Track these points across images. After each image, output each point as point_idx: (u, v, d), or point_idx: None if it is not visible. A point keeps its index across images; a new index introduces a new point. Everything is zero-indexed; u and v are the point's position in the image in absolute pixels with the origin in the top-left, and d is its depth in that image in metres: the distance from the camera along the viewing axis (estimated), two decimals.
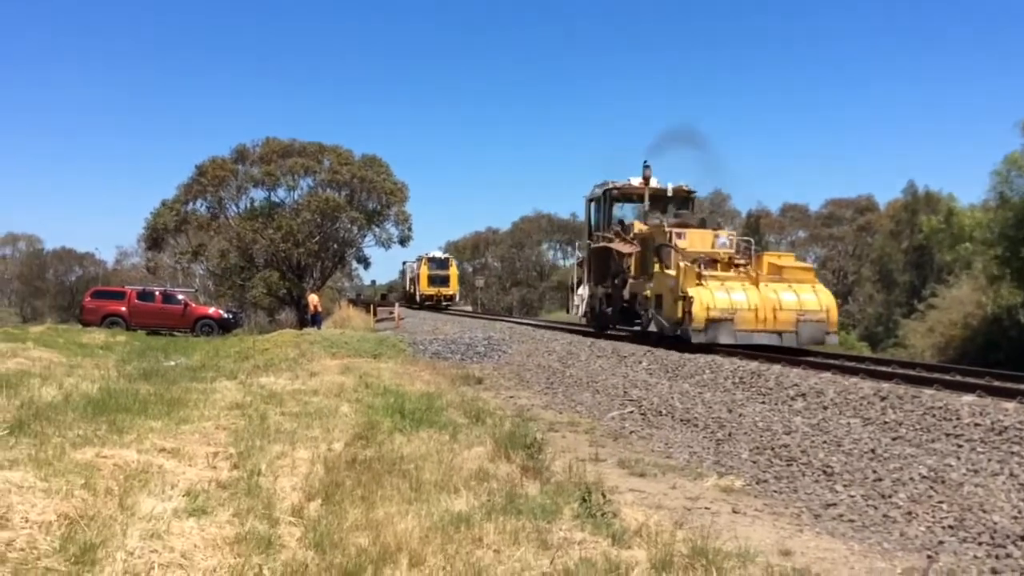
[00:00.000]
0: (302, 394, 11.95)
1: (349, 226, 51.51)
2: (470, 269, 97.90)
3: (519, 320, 37.21)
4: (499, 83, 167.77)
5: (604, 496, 6.58)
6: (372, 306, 43.87)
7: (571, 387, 15.43)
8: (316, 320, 34.40)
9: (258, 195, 51.74)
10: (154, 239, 52.39)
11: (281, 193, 51.57)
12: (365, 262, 56.91)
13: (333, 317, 37.76)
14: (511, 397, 14.53)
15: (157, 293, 37.68)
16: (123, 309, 35.62)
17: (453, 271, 56.45)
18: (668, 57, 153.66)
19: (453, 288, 55.62)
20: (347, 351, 19.16)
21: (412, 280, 58.27)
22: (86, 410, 9.57)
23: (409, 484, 6.64)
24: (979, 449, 8.36)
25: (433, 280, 54.40)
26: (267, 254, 50.60)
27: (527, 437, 8.81)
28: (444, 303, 53.72)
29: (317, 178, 51.17)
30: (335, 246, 53.02)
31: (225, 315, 37.58)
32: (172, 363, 18.49)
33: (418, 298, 53.80)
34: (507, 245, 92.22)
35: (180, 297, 37.74)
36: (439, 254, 58.04)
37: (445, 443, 8.47)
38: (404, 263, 64.17)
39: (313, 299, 35.92)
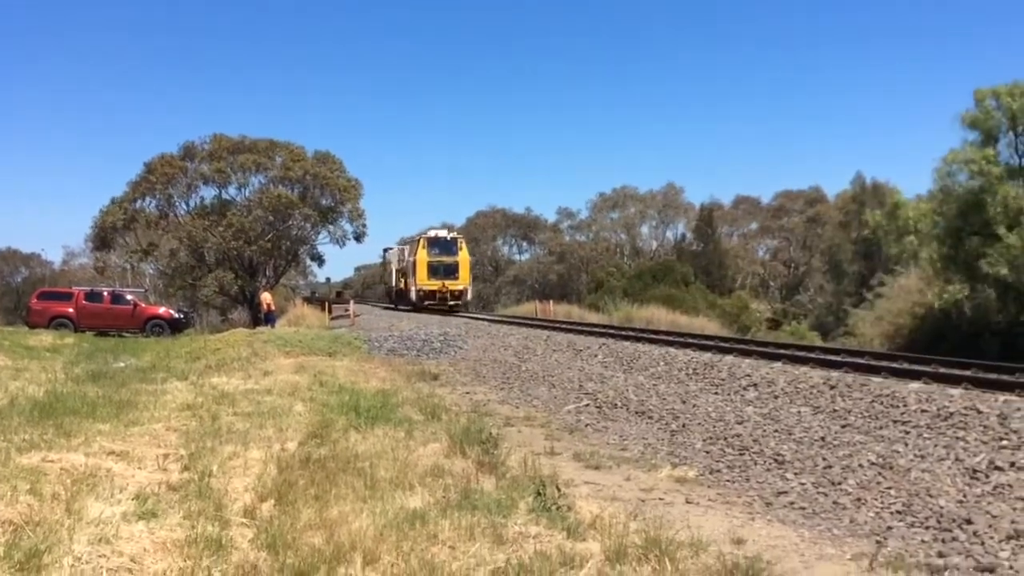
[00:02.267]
0: (255, 394, 11.84)
1: (302, 223, 50.96)
2: None
3: (475, 315, 37.16)
4: (452, 73, 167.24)
5: (559, 490, 6.60)
6: (327, 304, 43.48)
7: (527, 381, 15.47)
8: (270, 319, 34.04)
9: (208, 193, 51.03)
10: (102, 238, 51.35)
11: (232, 191, 50.92)
12: (319, 260, 56.31)
13: (287, 315, 37.36)
14: (467, 393, 14.52)
15: (105, 293, 36.98)
16: (71, 310, 34.90)
17: (464, 256, 40.42)
18: (620, 45, 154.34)
19: (464, 280, 39.92)
20: (301, 349, 19.00)
21: (400, 272, 44.74)
22: (32, 414, 9.38)
23: (364, 482, 6.61)
24: (926, 435, 8.54)
25: (436, 270, 39.36)
26: (218, 252, 49.90)
27: (482, 433, 8.80)
28: (451, 304, 38.97)
29: (269, 175, 50.57)
30: (288, 244, 52.39)
31: (176, 315, 37.01)
32: (121, 364, 18.17)
33: (413, 296, 39.65)
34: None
35: (129, 297, 37.09)
36: (443, 232, 42.22)
37: (400, 440, 8.44)
38: (386, 250, 51.77)
39: (266, 297, 35.53)
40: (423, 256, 39.72)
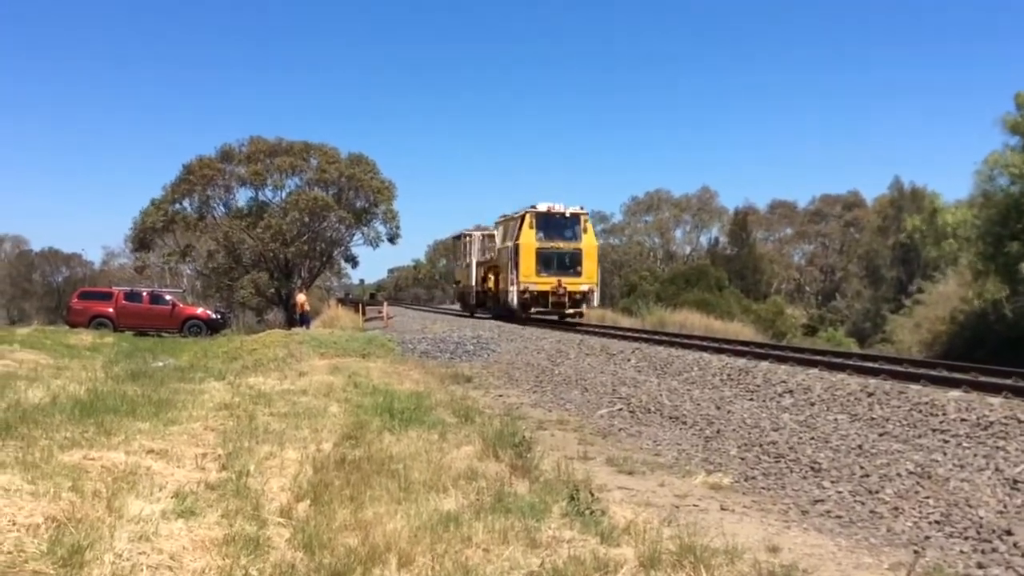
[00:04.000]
0: (291, 394, 11.93)
1: (337, 225, 51.41)
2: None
3: (480, 316, 37.23)
4: (489, 77, 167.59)
5: (592, 494, 6.59)
6: (361, 305, 43.76)
7: (560, 385, 15.45)
8: (304, 320, 34.33)
9: (245, 195, 51.63)
10: (142, 239, 52.16)
11: (268, 192, 51.46)
12: (353, 261, 56.74)
13: (322, 317, 37.67)
14: (500, 396, 14.54)
15: (145, 294, 37.53)
16: (110, 310, 35.47)
17: (590, 242, 29.92)
18: (662, 49, 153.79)
19: (589, 277, 29.33)
20: (336, 351, 19.12)
21: (486, 265, 34.43)
22: (73, 412, 9.52)
23: (398, 484, 6.64)
24: (965, 444, 8.42)
25: (548, 261, 28.83)
26: (255, 254, 50.47)
27: (516, 436, 8.81)
28: (570, 311, 29.37)
29: (304, 177, 51.08)
30: (323, 245, 52.87)
31: (213, 315, 37.47)
32: (160, 364, 18.42)
33: (512, 299, 29.09)
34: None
35: (168, 297, 37.61)
36: (559, 207, 29.90)
37: (434, 442, 8.47)
38: (458, 237, 40.36)
39: (301, 299, 35.84)
40: (529, 241, 28.55)
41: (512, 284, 28.98)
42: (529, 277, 28.67)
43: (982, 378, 11.67)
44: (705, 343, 19.07)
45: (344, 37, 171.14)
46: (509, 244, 29.97)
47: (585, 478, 7.20)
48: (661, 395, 13.15)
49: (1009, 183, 30.28)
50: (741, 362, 14.62)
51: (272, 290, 50.78)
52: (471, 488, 6.64)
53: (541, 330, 24.66)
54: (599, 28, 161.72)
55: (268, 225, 48.00)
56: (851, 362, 14.10)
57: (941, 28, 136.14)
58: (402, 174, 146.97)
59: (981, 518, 6.67)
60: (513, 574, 4.78)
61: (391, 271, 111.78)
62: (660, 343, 19.16)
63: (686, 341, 19.77)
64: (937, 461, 8.09)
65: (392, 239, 52.82)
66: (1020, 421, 8.62)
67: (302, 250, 50.68)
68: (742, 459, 9.33)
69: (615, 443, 10.32)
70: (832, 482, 8.09)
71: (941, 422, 9.21)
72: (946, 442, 8.61)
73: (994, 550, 6.08)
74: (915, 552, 6.01)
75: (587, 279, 29.21)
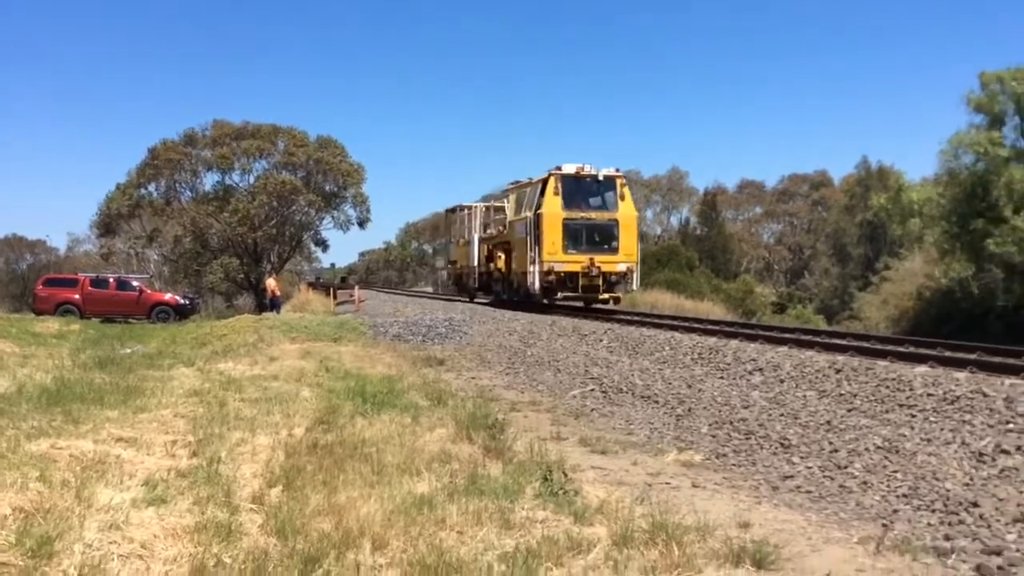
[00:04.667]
0: (261, 379, 11.87)
1: (306, 209, 50.91)
2: (431, 250, 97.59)
3: (480, 301, 37.19)
4: (457, 55, 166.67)
5: (565, 474, 6.62)
6: (332, 289, 43.54)
7: (532, 367, 15.49)
8: (275, 304, 34.08)
9: (212, 179, 51.01)
10: (107, 224, 51.42)
11: (236, 177, 50.87)
12: (323, 245, 56.32)
13: (292, 301, 37.40)
14: (473, 378, 14.55)
15: (111, 280, 37.11)
16: (77, 297, 35.06)
17: (628, 211, 24.71)
18: (632, 29, 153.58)
19: (627, 254, 24.28)
20: (307, 335, 19.03)
21: (493, 242, 29.39)
22: (40, 401, 9.42)
23: (371, 468, 6.63)
24: (932, 419, 8.54)
25: (576, 235, 23.95)
26: (223, 239, 49.92)
27: (489, 418, 8.83)
28: (604, 297, 24.58)
29: (272, 161, 50.52)
30: (292, 229, 52.38)
31: (182, 301, 37.16)
32: (128, 351, 18.23)
33: (533, 281, 24.04)
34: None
35: (135, 284, 37.23)
36: (589, 168, 24.59)
37: (407, 426, 8.46)
38: (452, 211, 35.86)
39: (271, 283, 35.57)
40: (554, 210, 23.51)
41: (532, 264, 23.72)
42: (554, 255, 23.43)
43: (948, 353, 11.83)
44: (676, 323, 19.19)
45: (310, 17, 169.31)
46: (527, 215, 24.49)
47: (558, 458, 7.23)
48: (633, 375, 13.22)
49: (974, 161, 30.69)
50: (712, 341, 14.72)
51: (241, 275, 50.31)
52: (444, 471, 6.65)
53: (513, 312, 24.67)
54: (570, 9, 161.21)
55: (236, 209, 47.47)
56: (819, 339, 14.24)
57: (907, 6, 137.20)
58: (372, 158, 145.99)
59: (948, 491, 6.78)
60: (487, 555, 4.79)
61: (362, 255, 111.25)
62: (632, 323, 19.24)
63: (658, 321, 19.88)
64: (905, 436, 8.20)
65: (362, 223, 52.47)
66: (985, 395, 8.75)
67: (271, 234, 50.21)
68: (713, 436, 9.41)
69: (588, 423, 10.37)
70: (802, 458, 8.18)
71: (908, 397, 9.33)
72: (913, 417, 8.74)
73: (961, 522, 6.18)
74: (884, 525, 6.10)
75: (625, 256, 23.90)
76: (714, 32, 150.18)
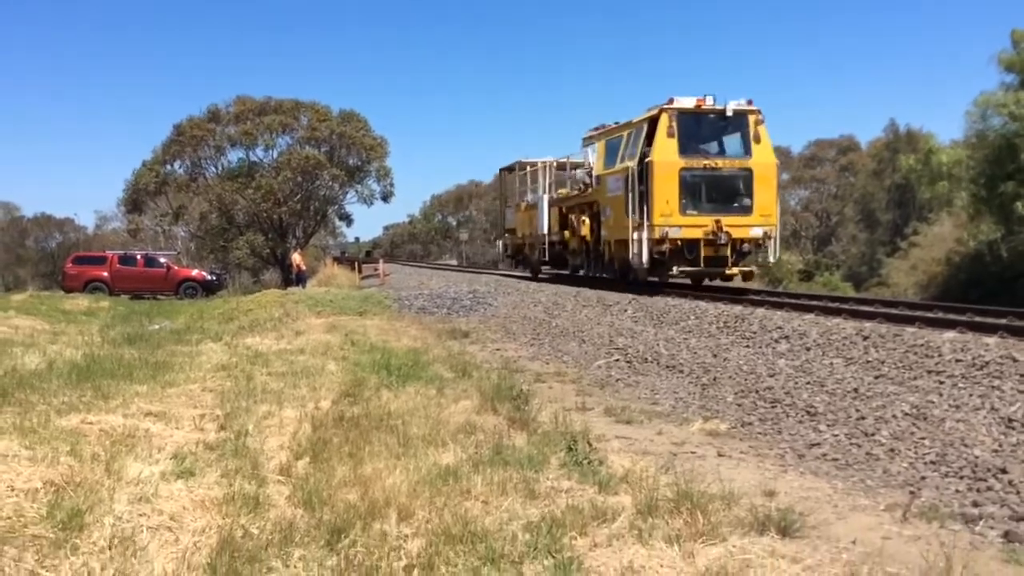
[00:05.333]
0: (288, 353, 11.96)
1: (330, 183, 51.09)
2: (454, 223, 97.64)
3: (505, 273, 37.17)
4: (478, 29, 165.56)
5: (590, 444, 6.63)
6: (357, 263, 43.73)
7: (557, 338, 15.48)
8: (301, 279, 34.33)
9: (236, 155, 51.26)
10: (134, 201, 51.89)
11: (259, 152, 51.07)
12: (348, 219, 56.60)
13: (318, 276, 37.60)
14: (498, 350, 14.57)
15: (139, 257, 37.51)
16: (105, 274, 35.48)
17: (764, 158, 18.59)
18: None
19: (765, 213, 18.45)
20: (332, 309, 19.14)
21: (573, 204, 23.65)
22: (70, 377, 9.54)
23: (397, 439, 6.67)
24: (960, 385, 8.46)
25: (696, 190, 18.33)
26: (248, 215, 50.25)
27: (513, 389, 8.86)
28: (733, 271, 18.77)
29: (295, 136, 50.68)
30: (317, 204, 52.62)
31: (208, 277, 37.50)
32: (156, 327, 18.43)
33: (639, 252, 18.37)
34: (491, 197, 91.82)
35: (162, 260, 37.60)
36: (711, 101, 18.51)
37: (432, 398, 8.50)
38: (512, 167, 30.15)
39: (296, 258, 35.83)
40: (668, 156, 18.08)
41: (637, 230, 18.14)
42: (669, 216, 17.78)
43: (977, 318, 11.69)
44: (700, 292, 19.08)
45: None
46: (627, 166, 18.76)
47: (583, 429, 7.23)
48: (658, 344, 13.18)
49: (1003, 123, 30.09)
50: (737, 309, 14.64)
51: (267, 251, 50.65)
52: (469, 442, 6.67)
53: (537, 284, 24.65)
54: None
55: (260, 185, 47.71)
56: (847, 306, 14.11)
57: None
58: (395, 130, 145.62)
59: (976, 457, 6.72)
60: (512, 524, 4.81)
61: (386, 228, 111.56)
62: (656, 293, 19.16)
63: (682, 291, 19.77)
64: (933, 402, 8.12)
65: (386, 197, 52.62)
66: (1015, 360, 8.65)
67: (296, 209, 50.48)
68: (739, 405, 9.37)
69: (613, 393, 10.37)
70: (828, 426, 8.13)
71: (936, 363, 9.24)
72: (941, 383, 8.65)
73: (989, 488, 6.12)
74: (911, 493, 6.06)
75: (761, 217, 18.09)
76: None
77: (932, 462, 6.81)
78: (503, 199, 32.97)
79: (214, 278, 38.10)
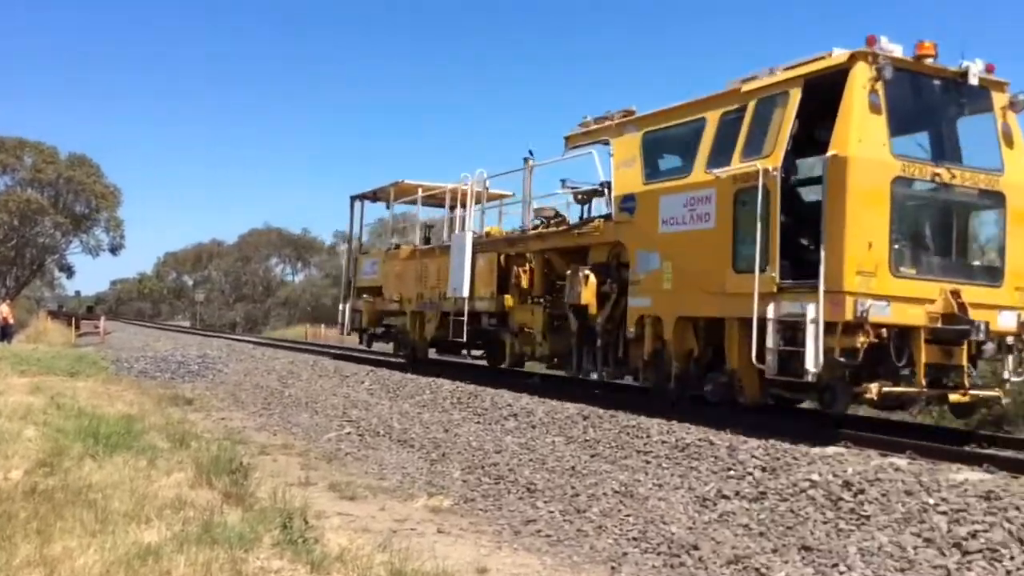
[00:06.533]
0: None
1: (52, 231, 47.19)
2: (191, 282, 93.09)
3: (240, 337, 35.81)
4: (228, 82, 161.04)
5: (307, 521, 6.46)
6: (74, 319, 40.37)
7: (289, 408, 15.06)
8: (7, 333, 31.10)
9: None
10: None
11: None
12: (69, 271, 52.39)
13: (27, 331, 34.28)
14: (223, 419, 13.94)
15: None
16: None
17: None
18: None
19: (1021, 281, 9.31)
20: (39, 368, 17.49)
21: (531, 252, 14.56)
22: None
23: (95, 515, 6.15)
24: (664, 465, 9.10)
25: (916, 231, 9.42)
26: None
27: (233, 462, 8.48)
28: (975, 395, 9.28)
29: (16, 176, 46.49)
30: (34, 252, 48.31)
31: None
32: None
33: (812, 353, 8.64)
34: (233, 258, 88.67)
35: None
36: (931, 55, 9.24)
37: (141, 469, 7.95)
38: (374, 193, 20.66)
39: (4, 310, 32.45)
40: (874, 150, 8.96)
41: (790, 298, 9.25)
42: (871, 275, 8.84)
43: None
44: (440, 367, 19.32)
45: (66, 28, 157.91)
46: (752, 168, 9.52)
47: (303, 505, 7.05)
48: (392, 418, 13.17)
49: None
50: (471, 387, 14.95)
51: None
52: (177, 518, 6.28)
53: (274, 351, 23.93)
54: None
55: None
56: (567, 387, 14.80)
57: None
58: (132, 180, 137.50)
59: (673, 534, 7.24)
60: None
61: (114, 283, 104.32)
62: (395, 367, 19.19)
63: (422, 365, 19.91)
64: (639, 481, 8.68)
65: (115, 249, 49.43)
66: (712, 443, 9.44)
67: (8, 256, 46.00)
68: (464, 481, 9.53)
69: (340, 467, 10.20)
70: (545, 502, 8.45)
71: (645, 444, 9.90)
72: (648, 463, 9.26)
73: (682, 564, 6.61)
74: (612, 568, 6.41)
75: (1018, 290, 9.72)
76: None
77: (635, 538, 7.26)
78: (356, 245, 22.06)
79: None
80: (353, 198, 21.26)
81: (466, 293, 15.47)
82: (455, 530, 7.34)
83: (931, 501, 6.77)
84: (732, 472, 8.50)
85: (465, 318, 15.49)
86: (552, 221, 14.23)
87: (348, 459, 10.89)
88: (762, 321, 9.24)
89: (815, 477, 7.73)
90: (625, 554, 6.86)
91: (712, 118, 10.73)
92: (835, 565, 6.19)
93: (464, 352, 18.54)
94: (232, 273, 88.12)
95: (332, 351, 24.62)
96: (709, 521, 7.47)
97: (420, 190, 18.21)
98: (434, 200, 18.54)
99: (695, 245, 10.52)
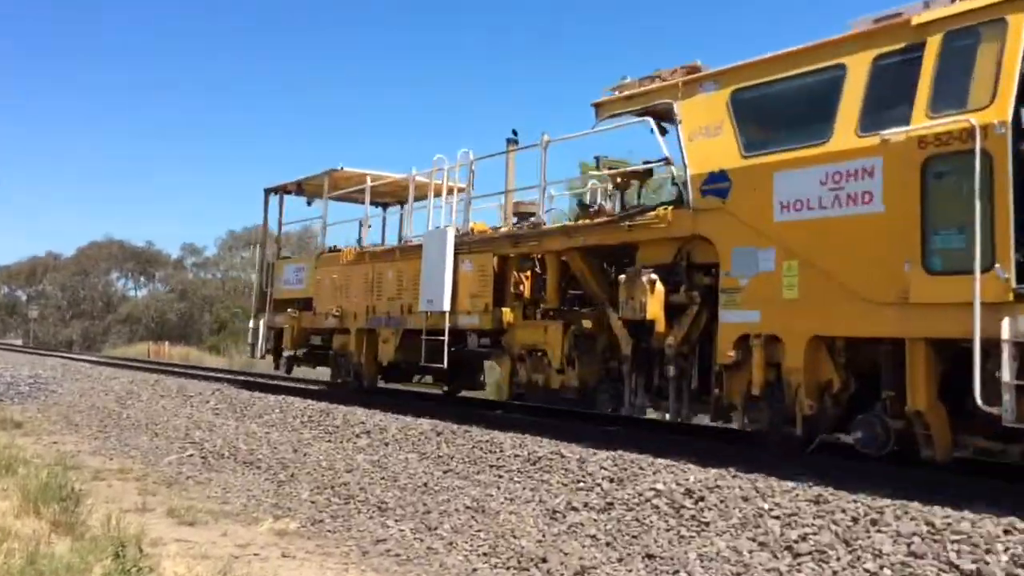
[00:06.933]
0: None
1: None
2: (24, 297, 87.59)
3: (74, 356, 33.87)
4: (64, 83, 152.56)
5: (141, 550, 6.14)
6: None
7: (127, 430, 14.33)
8: None
9: None
10: None
11: None
12: None
13: None
14: (55, 443, 13.11)
15: None
16: None
17: None
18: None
19: None
20: None
21: (550, 253, 11.54)
22: None
23: None
24: (516, 479, 9.18)
25: None
26: None
27: (64, 488, 8.00)
28: None
29: None
30: None
31: None
32: None
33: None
34: (70, 272, 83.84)
35: None
36: None
37: None
38: (300, 186, 17.56)
39: None
40: None
41: None
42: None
43: (532, 418, 12.84)
44: (289, 384, 18.89)
45: None
46: (968, 123, 6.82)
47: (138, 532, 6.71)
48: (238, 439, 12.74)
49: None
50: (323, 404, 14.67)
51: None
52: None
53: (113, 370, 22.77)
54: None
55: None
56: (427, 404, 14.77)
57: None
58: None
59: (523, 547, 7.28)
60: None
61: None
62: (245, 384, 18.63)
63: (271, 383, 19.43)
64: (491, 495, 8.72)
65: None
66: (563, 456, 9.60)
67: None
68: (312, 502, 9.31)
69: (180, 492, 9.77)
70: (396, 520, 8.36)
71: (498, 458, 9.96)
72: (501, 477, 9.33)
73: None
74: None
75: None
76: None
77: (485, 553, 7.26)
78: (268, 246, 18.93)
79: None
80: (268, 191, 18.26)
81: (447, 307, 12.59)
82: (301, 553, 7.15)
83: (765, 506, 7.12)
84: (582, 484, 8.66)
85: (446, 338, 12.60)
86: (590, 211, 11.18)
87: (189, 483, 10.44)
88: (987, 343, 6.56)
89: (659, 486, 8.00)
90: (475, 570, 6.86)
91: (858, 64, 8.09)
92: (676, 572, 6.38)
93: (416, 378, 15.55)
94: (69, 288, 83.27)
95: (176, 369, 23.61)
96: (558, 533, 7.56)
97: (368, 179, 15.40)
98: (386, 194, 16.01)
99: (844, 237, 7.85)
